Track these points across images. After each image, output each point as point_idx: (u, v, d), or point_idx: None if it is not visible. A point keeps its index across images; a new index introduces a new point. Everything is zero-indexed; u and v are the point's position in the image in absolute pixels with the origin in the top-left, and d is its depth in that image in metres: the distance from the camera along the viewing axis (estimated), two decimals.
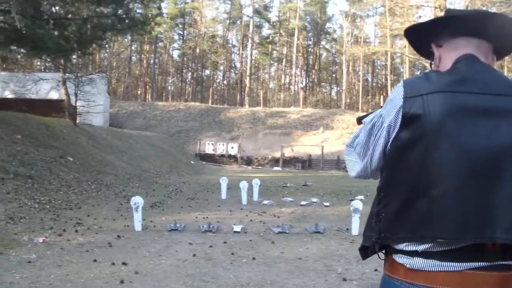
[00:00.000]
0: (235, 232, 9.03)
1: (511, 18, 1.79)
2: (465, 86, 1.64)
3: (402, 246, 1.64)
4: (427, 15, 56.04)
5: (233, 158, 39.44)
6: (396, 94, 1.71)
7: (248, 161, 39.39)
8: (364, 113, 1.95)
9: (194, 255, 6.98)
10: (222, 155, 39.55)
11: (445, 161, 1.58)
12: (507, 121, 1.59)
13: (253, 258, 6.88)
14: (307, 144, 41.32)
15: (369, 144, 1.80)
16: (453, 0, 59.83)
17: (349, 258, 7.12)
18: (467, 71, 1.68)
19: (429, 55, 1.93)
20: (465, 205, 1.55)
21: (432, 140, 1.59)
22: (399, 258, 1.65)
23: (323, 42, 79.62)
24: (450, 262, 1.56)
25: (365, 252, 1.83)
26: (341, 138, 42.92)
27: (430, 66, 1.93)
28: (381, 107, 1.84)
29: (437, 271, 1.57)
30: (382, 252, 1.75)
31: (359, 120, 1.93)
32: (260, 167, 37.86)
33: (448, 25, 1.80)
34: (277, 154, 39.25)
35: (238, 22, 75.54)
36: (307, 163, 39.21)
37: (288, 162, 38.92)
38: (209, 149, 39.56)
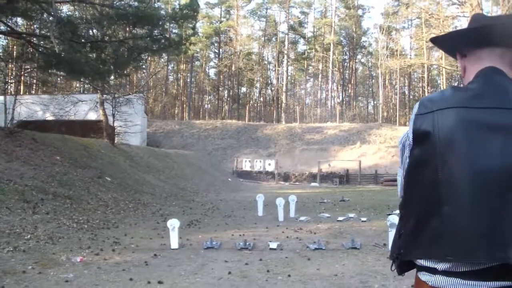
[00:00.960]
0: (271, 249, 9.00)
1: None
2: (479, 101, 1.61)
3: (423, 263, 1.64)
4: (463, 25, 55.43)
5: (270, 175, 39.42)
6: (413, 112, 1.71)
7: (285, 177, 39.32)
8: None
9: (229, 272, 6.96)
10: (259, 172, 39.57)
11: (455, 178, 1.56)
12: None
13: (289, 275, 6.83)
14: (344, 159, 41.08)
15: (401, 164, 1.82)
16: (489, 9, 59.12)
17: (385, 274, 7.02)
18: (484, 85, 1.65)
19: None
20: (475, 224, 1.52)
21: (441, 157, 1.59)
22: (423, 276, 1.65)
23: (358, 56, 79.52)
24: (473, 281, 1.53)
25: (393, 263, 1.84)
26: (378, 152, 42.59)
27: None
28: None
29: None
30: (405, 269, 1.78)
31: None
32: (297, 183, 37.75)
33: (471, 36, 1.77)
34: (314, 170, 39.11)
35: (273, 39, 75.95)
36: (344, 178, 38.97)
37: (326, 177, 38.73)
38: (246, 166, 39.64)
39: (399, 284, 6.43)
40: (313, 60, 76.40)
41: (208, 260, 7.99)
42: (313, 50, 74.93)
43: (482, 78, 1.68)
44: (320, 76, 75.08)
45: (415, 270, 1.75)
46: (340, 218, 13.85)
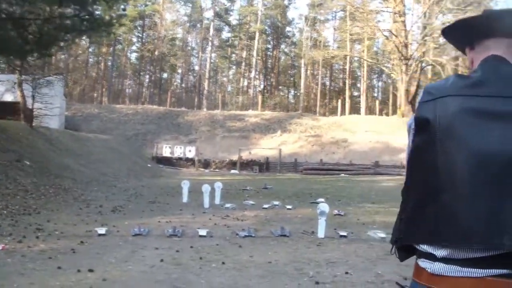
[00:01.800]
0: (200, 236, 8.91)
1: None
2: (480, 89, 1.60)
3: (422, 249, 1.62)
4: (386, 20, 57.05)
5: (190, 161, 39.07)
6: (418, 98, 1.70)
7: (206, 164, 39.11)
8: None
9: (161, 260, 6.83)
10: (180, 158, 39.12)
11: (454, 165, 1.55)
12: None
13: (223, 263, 6.78)
14: (265, 147, 41.35)
15: (407, 148, 1.79)
16: (411, 6, 61.11)
17: (318, 261, 7.09)
18: (486, 73, 1.64)
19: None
20: (473, 210, 1.52)
21: (441, 144, 1.58)
22: (422, 263, 1.64)
23: (282, 46, 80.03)
24: (472, 268, 1.52)
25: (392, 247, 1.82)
26: (298, 141, 43.19)
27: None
28: None
29: (459, 276, 1.54)
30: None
31: None
32: (217, 170, 37.66)
33: (479, 24, 1.77)
34: (235, 157, 39.11)
35: (198, 25, 75.25)
36: (264, 166, 39.18)
37: (246, 165, 38.81)
38: (166, 152, 39.10)
39: (332, 271, 6.51)
40: (237, 48, 76.38)
41: (138, 247, 7.82)
42: (238, 38, 74.90)
43: (484, 65, 1.67)
44: (243, 64, 75.16)
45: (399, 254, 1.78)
46: (266, 206, 13.93)
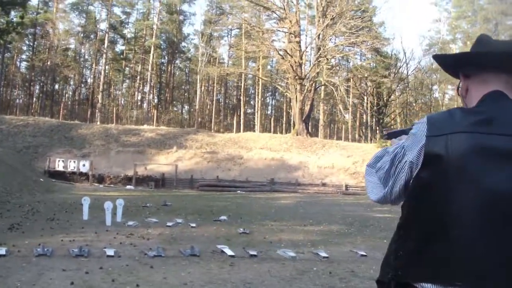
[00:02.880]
0: (108, 256, 8.56)
1: None
2: (491, 127, 1.60)
3: (424, 286, 1.58)
4: (281, 39, 58.29)
5: (84, 176, 37.78)
6: (419, 130, 1.68)
7: (100, 179, 37.98)
8: (393, 130, 1.92)
9: (72, 283, 6.45)
10: (73, 173, 37.72)
11: (466, 204, 1.54)
12: None
13: (137, 285, 6.51)
14: (161, 163, 40.92)
15: (390, 173, 1.76)
16: (305, 27, 62.89)
17: (234, 282, 7.01)
18: (494, 110, 1.64)
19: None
20: (486, 252, 1.51)
21: (453, 181, 1.56)
22: None
23: (177, 61, 79.70)
24: None
25: (381, 285, 1.77)
26: (194, 157, 43.04)
27: (457, 91, 1.89)
28: (406, 130, 1.87)
29: None
30: None
31: (389, 136, 1.90)
32: (112, 186, 36.70)
33: (476, 61, 1.77)
34: (130, 173, 38.33)
35: (92, 36, 73.40)
36: (160, 182, 38.76)
37: (142, 180, 38.16)
38: (59, 166, 37.61)
39: None
40: (132, 61, 75.23)
41: (43, 269, 7.36)
42: (133, 51, 73.79)
43: (490, 101, 1.68)
44: (138, 78, 74.07)
45: None
46: (169, 224, 13.66)
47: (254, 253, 9.46)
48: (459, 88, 1.86)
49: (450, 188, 1.56)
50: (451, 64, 1.89)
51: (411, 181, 1.68)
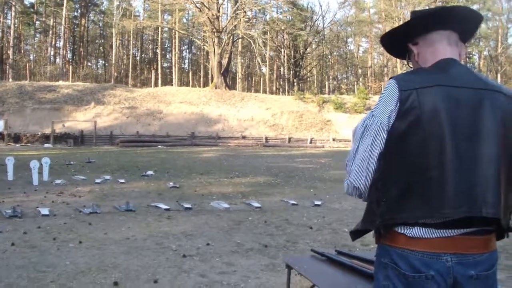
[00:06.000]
0: (44, 215, 8.49)
1: (468, 7, 2.06)
2: (454, 81, 1.85)
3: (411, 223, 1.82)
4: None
5: None
6: (391, 89, 1.87)
7: (16, 139, 36.76)
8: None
9: (12, 244, 6.38)
10: None
11: (440, 145, 1.77)
12: (483, 108, 1.83)
13: (80, 242, 6.55)
14: (79, 120, 40.04)
15: (362, 147, 1.91)
16: None
17: (175, 234, 7.17)
18: (451, 70, 1.90)
19: (403, 56, 2.14)
20: (459, 183, 1.76)
21: (428, 128, 1.78)
22: (400, 229, 1.83)
23: (91, 14, 76.99)
24: (445, 230, 1.79)
25: (358, 234, 2.01)
26: (113, 113, 42.38)
27: (408, 64, 2.13)
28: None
29: (434, 237, 1.79)
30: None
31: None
32: (29, 145, 35.65)
33: (421, 23, 2.01)
34: (48, 131, 37.34)
35: None
36: (79, 139, 38.09)
37: (60, 138, 37.31)
38: None
39: (192, 243, 6.62)
40: (43, 15, 72.03)
41: None
42: (44, 4, 70.53)
43: (447, 65, 1.93)
44: (50, 32, 71.15)
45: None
46: (98, 181, 13.60)
47: (189, 206, 9.64)
48: (409, 62, 2.11)
49: (426, 135, 1.78)
50: (401, 35, 2.10)
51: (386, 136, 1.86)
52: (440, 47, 1.98)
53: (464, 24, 2.03)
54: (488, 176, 1.79)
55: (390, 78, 1.94)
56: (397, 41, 2.12)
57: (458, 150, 1.77)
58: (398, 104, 1.82)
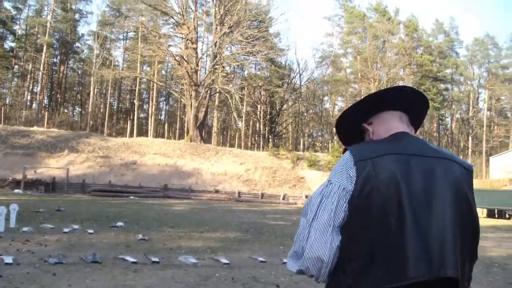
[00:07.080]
0: (7, 264, 8.33)
1: (416, 89, 2.19)
2: (408, 149, 1.96)
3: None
4: (178, 45, 58.17)
5: None
6: (346, 161, 1.96)
7: None
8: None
9: None
10: None
11: (399, 210, 1.84)
12: (436, 175, 1.92)
13: None
14: (52, 167, 39.67)
15: (318, 215, 1.96)
16: (202, 34, 63.17)
17: None
18: (403, 140, 2.02)
19: (356, 139, 2.23)
20: (418, 247, 1.80)
21: (386, 194, 1.85)
22: None
23: (70, 62, 77.25)
24: None
25: None
26: (86, 161, 42.17)
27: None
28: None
29: None
30: None
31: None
32: None
33: (373, 103, 2.16)
34: (19, 176, 36.90)
35: None
36: (50, 186, 37.63)
37: (31, 184, 36.87)
38: None
39: None
40: (22, 59, 72.12)
41: None
42: (23, 49, 70.72)
43: (401, 136, 2.06)
44: (28, 77, 71.07)
45: None
46: (66, 230, 13.40)
47: (156, 259, 9.55)
48: (364, 140, 2.22)
49: (384, 201, 1.84)
50: (355, 116, 2.21)
51: (345, 206, 1.91)
52: (393, 123, 2.11)
53: (413, 106, 2.17)
54: (446, 239, 1.83)
55: (344, 150, 2.03)
56: (353, 124, 2.23)
57: (415, 213, 1.83)
58: (356, 174, 1.89)
